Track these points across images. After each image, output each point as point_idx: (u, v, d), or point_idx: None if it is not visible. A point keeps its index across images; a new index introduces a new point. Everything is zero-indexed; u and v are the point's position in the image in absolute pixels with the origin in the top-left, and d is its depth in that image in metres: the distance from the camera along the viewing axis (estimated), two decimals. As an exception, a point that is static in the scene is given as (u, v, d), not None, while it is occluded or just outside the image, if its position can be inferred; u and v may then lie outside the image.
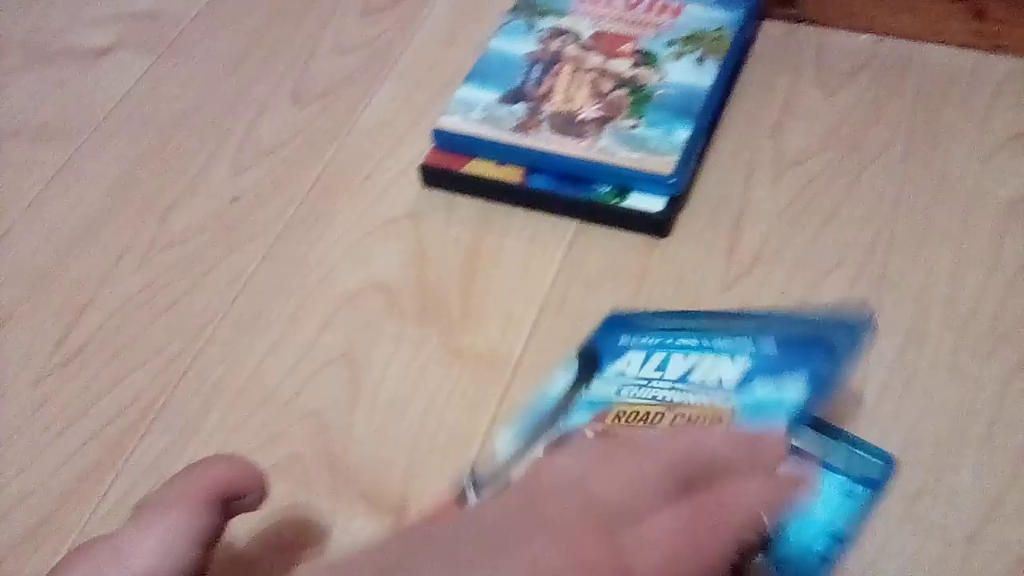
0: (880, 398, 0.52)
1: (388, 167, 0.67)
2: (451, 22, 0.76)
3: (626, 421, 0.49)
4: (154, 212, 0.66)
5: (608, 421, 0.49)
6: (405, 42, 0.75)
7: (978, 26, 0.67)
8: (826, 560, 0.46)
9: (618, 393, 0.51)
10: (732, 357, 0.49)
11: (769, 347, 0.49)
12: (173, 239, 0.64)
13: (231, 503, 0.44)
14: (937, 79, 0.66)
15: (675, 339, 0.52)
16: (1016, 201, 0.60)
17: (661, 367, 0.51)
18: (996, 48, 0.67)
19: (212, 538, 0.43)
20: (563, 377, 0.53)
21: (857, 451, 0.49)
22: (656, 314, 0.56)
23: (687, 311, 0.55)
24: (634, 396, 0.50)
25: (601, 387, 0.52)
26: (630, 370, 0.52)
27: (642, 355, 0.52)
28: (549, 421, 0.51)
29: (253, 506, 0.45)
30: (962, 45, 0.68)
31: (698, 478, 0.35)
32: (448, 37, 0.75)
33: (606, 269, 0.59)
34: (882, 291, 0.56)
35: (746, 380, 0.47)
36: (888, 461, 0.49)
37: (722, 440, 0.38)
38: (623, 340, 0.54)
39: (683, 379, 0.50)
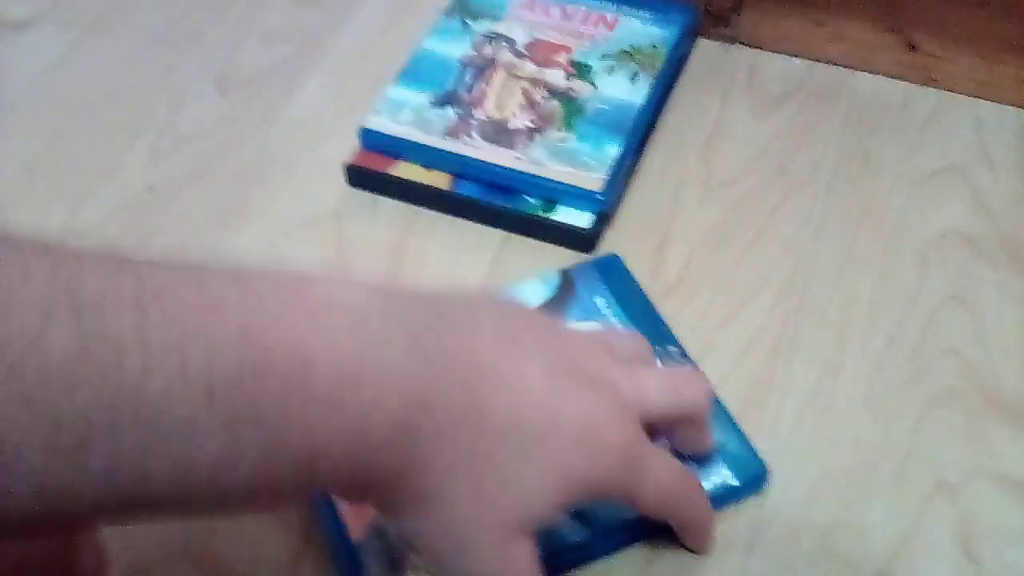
0: (795, 429, 0.52)
1: (312, 163, 0.65)
2: (384, 18, 0.74)
3: None
4: (66, 198, 0.63)
5: None
6: (336, 35, 0.73)
7: (910, 58, 0.67)
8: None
9: None
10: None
11: None
12: (84, 227, 0.61)
13: None
14: (867, 108, 0.67)
15: None
16: (938, 235, 0.60)
17: None
18: (927, 81, 0.68)
19: None
20: (535, 289, 0.56)
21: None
22: (641, 298, 0.56)
23: (663, 324, 0.55)
24: None
25: None
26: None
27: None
28: None
29: None
30: (894, 76, 0.68)
31: None
32: (380, 33, 0.73)
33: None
34: (801, 319, 0.56)
35: None
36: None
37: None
38: (598, 301, 0.55)
39: None
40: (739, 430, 0.50)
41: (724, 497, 0.48)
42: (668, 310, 0.56)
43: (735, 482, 0.48)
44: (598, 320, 0.54)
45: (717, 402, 0.51)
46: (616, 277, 0.56)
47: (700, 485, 0.46)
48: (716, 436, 0.49)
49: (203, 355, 0.31)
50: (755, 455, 0.49)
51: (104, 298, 0.30)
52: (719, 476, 0.48)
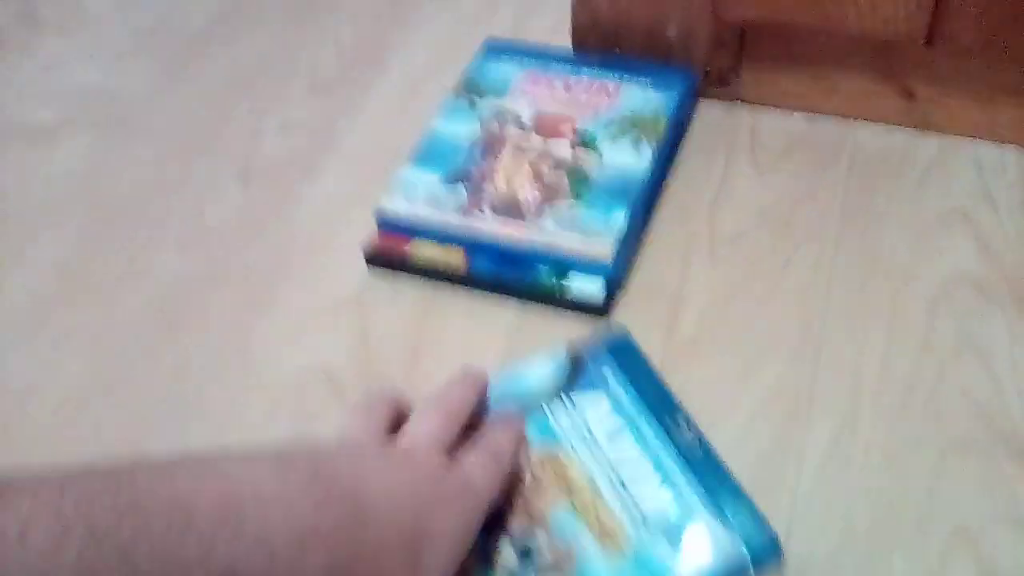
0: (815, 486, 0.53)
1: (332, 249, 0.67)
2: (396, 101, 0.77)
3: (555, 473, 0.52)
4: (99, 296, 0.66)
5: (543, 465, 0.52)
6: (350, 121, 0.76)
7: (907, 105, 0.68)
8: None
9: (571, 446, 0.53)
10: (665, 486, 0.50)
11: (695, 506, 0.49)
12: (115, 323, 0.64)
13: None
14: (869, 158, 0.68)
15: (639, 416, 0.53)
16: (947, 280, 0.61)
17: (613, 437, 0.53)
18: (926, 126, 0.69)
19: None
20: (542, 368, 0.56)
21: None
22: (648, 373, 0.56)
23: (671, 397, 0.55)
24: (578, 453, 0.52)
25: (564, 422, 0.54)
26: (591, 418, 0.54)
27: (607, 407, 0.54)
28: (529, 406, 0.54)
29: None
30: (893, 124, 0.69)
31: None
32: (393, 116, 0.76)
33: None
34: (817, 374, 0.57)
35: (656, 525, 0.49)
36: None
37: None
38: (606, 372, 0.56)
39: (622, 485, 0.51)
40: (750, 501, 0.50)
41: (737, 571, 0.48)
42: (683, 373, 0.58)
43: (745, 552, 0.48)
44: (601, 394, 0.55)
45: (727, 473, 0.51)
46: (625, 355, 0.57)
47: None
48: (727, 507, 0.49)
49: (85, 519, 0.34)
50: (765, 526, 0.49)
51: None
52: (732, 548, 0.48)
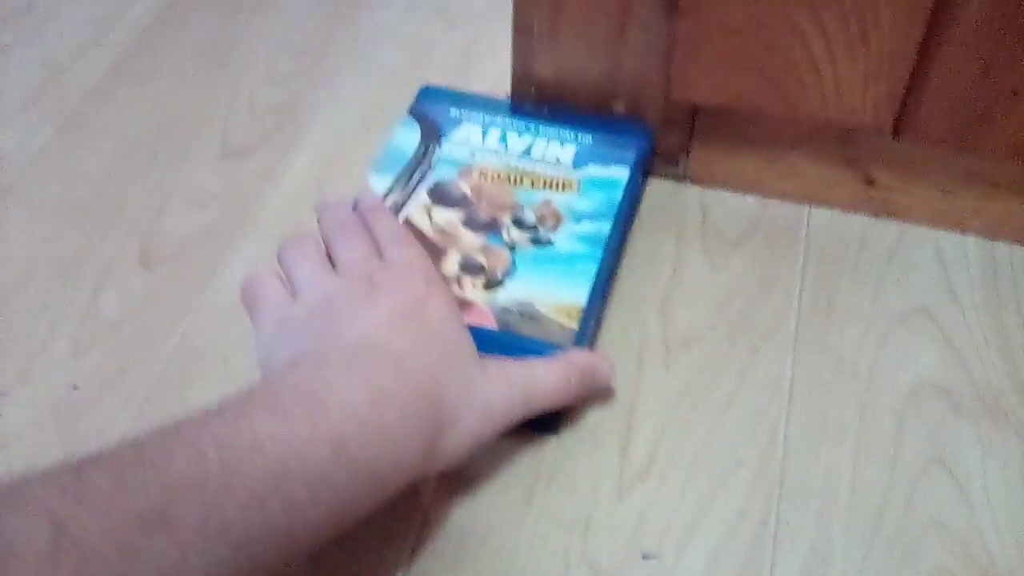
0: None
1: (250, 345, 0.61)
2: (316, 171, 0.70)
3: (491, 180, 0.62)
4: (-19, 399, 0.58)
5: (475, 178, 0.62)
6: (268, 193, 0.69)
7: (868, 192, 0.65)
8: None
9: (472, 157, 0.63)
10: (561, 143, 0.63)
11: (587, 139, 0.64)
12: (3, 439, 0.56)
13: None
14: (827, 246, 0.64)
15: (504, 119, 0.65)
16: (914, 388, 0.57)
17: (502, 140, 0.64)
18: (885, 214, 0.65)
19: None
20: (405, 135, 0.64)
21: None
22: (469, 95, 0.68)
23: (497, 100, 0.67)
24: (489, 161, 0.63)
25: (454, 150, 0.63)
26: (474, 140, 0.64)
27: (479, 128, 0.65)
28: (413, 169, 0.62)
29: None
30: (851, 210, 0.65)
31: None
32: (313, 188, 0.69)
33: (490, 474, 0.54)
34: (782, 498, 0.53)
35: (579, 161, 0.62)
36: None
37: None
38: (453, 112, 0.65)
39: (526, 153, 0.63)
40: None
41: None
42: (638, 497, 0.53)
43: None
44: (467, 125, 0.65)
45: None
46: (443, 95, 0.68)
47: None
48: None
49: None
50: None
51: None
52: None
